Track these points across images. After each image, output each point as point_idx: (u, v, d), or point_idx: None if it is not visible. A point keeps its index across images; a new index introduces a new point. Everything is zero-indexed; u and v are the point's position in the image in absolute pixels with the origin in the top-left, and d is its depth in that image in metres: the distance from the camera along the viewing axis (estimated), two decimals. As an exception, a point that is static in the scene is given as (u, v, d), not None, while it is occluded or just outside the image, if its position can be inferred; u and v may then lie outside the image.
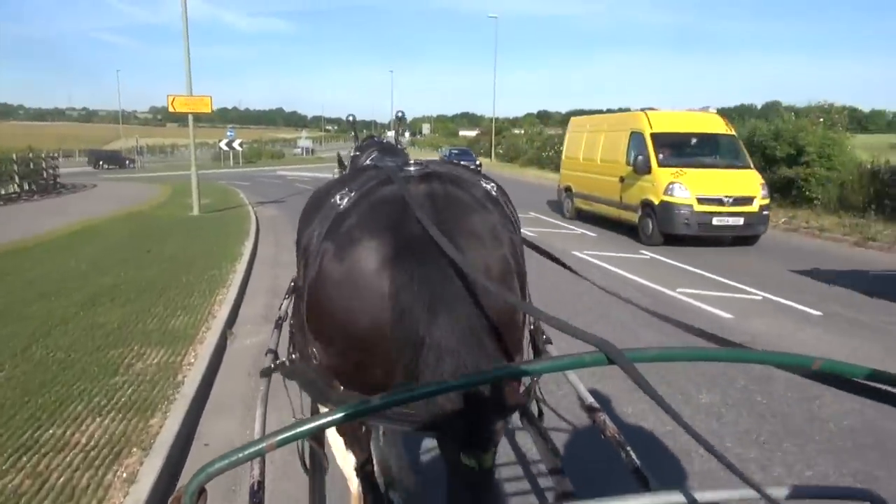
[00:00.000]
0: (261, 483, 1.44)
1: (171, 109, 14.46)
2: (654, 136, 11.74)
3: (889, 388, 0.83)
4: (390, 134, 3.77)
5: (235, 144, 46.76)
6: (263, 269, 9.14)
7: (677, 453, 3.60)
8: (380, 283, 1.46)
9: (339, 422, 0.89)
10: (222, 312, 6.32)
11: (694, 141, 12.18)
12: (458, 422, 1.32)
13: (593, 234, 12.47)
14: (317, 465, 2.05)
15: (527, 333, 1.92)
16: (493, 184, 1.87)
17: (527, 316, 1.81)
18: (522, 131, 52.70)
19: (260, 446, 0.84)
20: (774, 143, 15.09)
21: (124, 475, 3.25)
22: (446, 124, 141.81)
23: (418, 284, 1.41)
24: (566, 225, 13.76)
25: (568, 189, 15.05)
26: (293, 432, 0.84)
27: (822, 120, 15.43)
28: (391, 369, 1.43)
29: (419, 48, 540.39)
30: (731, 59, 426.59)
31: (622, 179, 12.25)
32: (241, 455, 0.83)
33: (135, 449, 3.52)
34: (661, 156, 11.45)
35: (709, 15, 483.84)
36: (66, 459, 3.40)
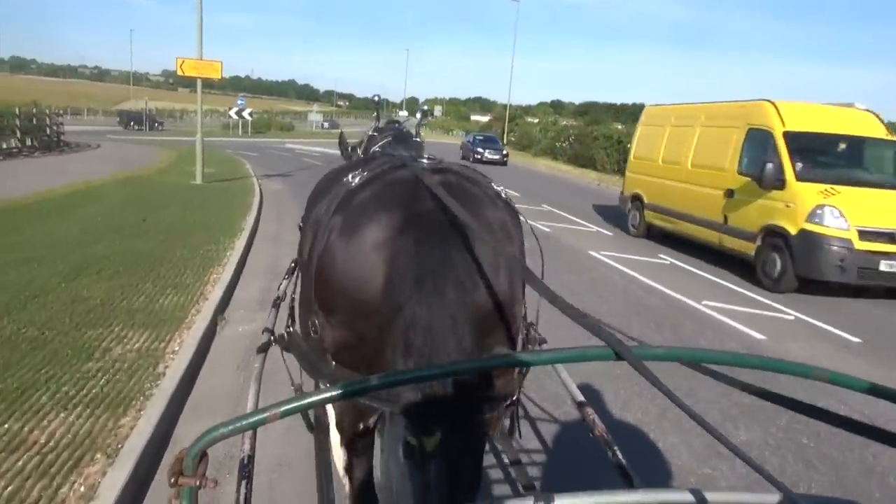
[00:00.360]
0: (251, 457, 1.48)
1: (179, 73, 13.87)
2: (788, 136, 8.41)
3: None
4: (402, 113, 3.84)
5: (245, 114, 46.08)
6: (264, 246, 8.67)
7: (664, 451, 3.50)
8: (383, 254, 1.46)
9: (339, 398, 0.91)
10: (215, 294, 5.86)
11: (843, 147, 8.92)
12: (421, 402, 1.30)
13: (609, 234, 11.95)
14: (321, 425, 2.03)
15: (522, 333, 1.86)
16: (501, 187, 1.86)
17: (526, 315, 1.82)
18: (536, 120, 51.88)
19: (263, 416, 0.83)
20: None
21: (82, 489, 2.81)
22: (458, 108, 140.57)
23: (413, 257, 1.39)
24: (580, 220, 13.24)
25: (637, 198, 11.72)
26: (296, 404, 0.85)
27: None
28: (382, 342, 1.41)
29: (434, 29, 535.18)
30: (739, 58, 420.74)
31: (730, 193, 9.04)
32: (244, 423, 0.84)
33: (99, 455, 3.07)
34: (799, 165, 8.20)
35: (721, 13, 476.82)
36: (19, 463, 2.95)
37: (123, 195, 11.88)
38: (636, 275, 8.39)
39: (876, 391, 0.88)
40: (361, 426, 1.68)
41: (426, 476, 1.31)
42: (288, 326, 2.03)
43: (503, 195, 1.78)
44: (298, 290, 1.97)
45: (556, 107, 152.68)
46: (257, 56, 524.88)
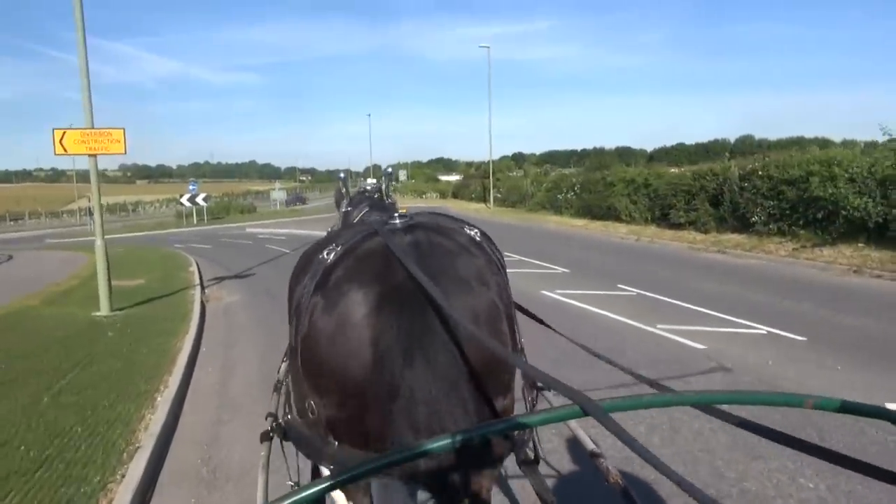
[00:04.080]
0: None
1: (59, 151, 8.94)
2: None
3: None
4: (369, 181, 3.39)
5: (199, 199, 41.39)
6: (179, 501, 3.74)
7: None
8: (365, 332, 1.46)
9: (340, 485, 0.93)
10: None
11: None
12: (430, 474, 1.34)
13: (798, 337, 7.17)
14: None
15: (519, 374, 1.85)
16: (476, 230, 1.85)
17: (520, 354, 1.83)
18: (521, 172, 48.02)
19: None
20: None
21: None
22: (423, 170, 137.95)
23: (397, 331, 1.40)
24: (721, 315, 8.55)
25: None
26: (297, 497, 0.85)
27: None
28: (383, 418, 1.39)
29: (391, 96, 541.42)
30: (699, 97, 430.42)
31: None
32: None
33: None
34: None
35: (675, 55, 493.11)
36: None
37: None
38: None
39: (848, 407, 0.88)
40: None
41: None
42: (285, 413, 1.94)
43: (476, 238, 1.78)
44: (290, 373, 1.88)
45: (518, 159, 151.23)
46: (217, 139, 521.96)
